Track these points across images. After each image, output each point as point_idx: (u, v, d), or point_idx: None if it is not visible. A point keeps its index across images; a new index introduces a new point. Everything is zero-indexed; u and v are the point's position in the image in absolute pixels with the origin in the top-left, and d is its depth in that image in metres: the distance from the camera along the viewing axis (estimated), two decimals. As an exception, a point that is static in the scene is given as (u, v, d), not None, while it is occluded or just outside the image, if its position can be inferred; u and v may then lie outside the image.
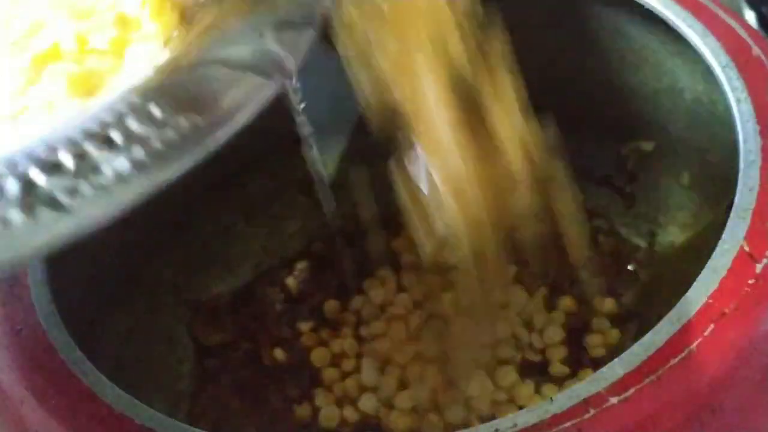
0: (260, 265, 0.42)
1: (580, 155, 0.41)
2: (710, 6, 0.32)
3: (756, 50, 0.30)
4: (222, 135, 0.21)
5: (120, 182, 0.19)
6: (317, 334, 0.38)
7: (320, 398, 0.36)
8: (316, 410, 0.36)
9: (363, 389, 0.35)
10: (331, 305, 0.39)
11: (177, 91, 0.21)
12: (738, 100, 0.29)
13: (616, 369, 0.23)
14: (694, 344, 0.23)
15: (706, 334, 0.23)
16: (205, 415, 0.37)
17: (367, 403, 0.35)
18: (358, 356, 0.37)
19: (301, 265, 0.42)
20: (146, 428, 0.24)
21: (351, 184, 0.42)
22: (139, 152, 0.19)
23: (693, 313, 0.24)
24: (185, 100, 0.21)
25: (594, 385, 0.23)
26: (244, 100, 0.22)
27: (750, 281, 0.24)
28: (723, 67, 0.30)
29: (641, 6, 0.33)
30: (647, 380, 0.23)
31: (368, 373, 0.35)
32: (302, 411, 0.36)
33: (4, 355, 0.28)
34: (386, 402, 0.35)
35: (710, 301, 0.24)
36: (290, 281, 0.41)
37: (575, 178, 0.41)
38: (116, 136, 0.20)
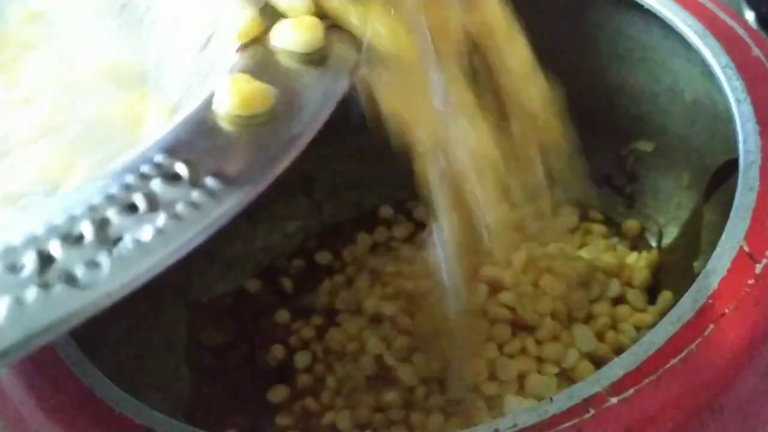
0: (260, 265, 0.42)
1: (580, 155, 0.41)
2: (710, 6, 0.32)
3: (756, 50, 0.30)
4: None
5: (141, 250, 0.19)
6: (317, 333, 0.38)
7: (321, 398, 0.36)
8: (316, 409, 0.36)
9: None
10: (330, 305, 0.39)
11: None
12: (738, 100, 0.29)
13: (616, 369, 0.23)
14: (694, 344, 0.23)
15: (706, 334, 0.23)
16: (205, 415, 0.37)
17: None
18: (358, 355, 0.37)
19: (301, 266, 0.42)
20: (146, 428, 0.24)
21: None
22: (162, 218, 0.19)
23: (693, 313, 0.24)
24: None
25: (594, 385, 0.23)
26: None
27: (750, 281, 0.24)
28: (723, 67, 0.30)
29: (641, 6, 0.33)
30: (647, 380, 0.23)
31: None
32: (304, 409, 0.36)
33: (4, 355, 0.28)
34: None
35: (710, 301, 0.24)
36: (290, 281, 0.41)
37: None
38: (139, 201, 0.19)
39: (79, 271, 0.18)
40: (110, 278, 0.18)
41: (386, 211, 0.43)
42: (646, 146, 0.39)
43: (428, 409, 0.33)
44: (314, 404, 0.36)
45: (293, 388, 0.37)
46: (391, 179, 0.43)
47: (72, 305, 0.18)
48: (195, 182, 0.20)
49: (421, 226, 0.41)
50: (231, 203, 0.20)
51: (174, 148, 0.20)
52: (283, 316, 0.40)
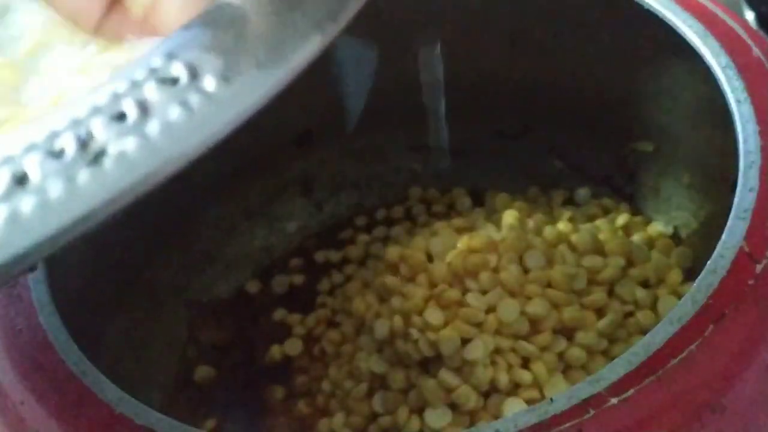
0: (259, 265, 0.42)
1: (580, 155, 0.41)
2: (710, 6, 0.32)
3: (756, 50, 0.30)
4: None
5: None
6: (317, 333, 0.38)
7: (316, 399, 0.36)
8: (316, 409, 0.36)
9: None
10: (329, 305, 0.39)
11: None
12: (738, 101, 0.29)
13: (616, 369, 0.23)
14: (694, 344, 0.23)
15: (706, 334, 0.23)
16: (205, 415, 0.37)
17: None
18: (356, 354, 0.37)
19: (300, 265, 0.42)
20: (146, 428, 0.24)
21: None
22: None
23: (693, 313, 0.24)
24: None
25: (594, 385, 0.23)
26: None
27: (750, 281, 0.24)
28: (723, 68, 0.30)
29: (641, 6, 0.33)
30: (647, 380, 0.23)
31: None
32: (302, 409, 0.36)
33: (4, 355, 0.28)
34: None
35: (710, 301, 0.24)
36: (290, 281, 0.41)
37: (575, 178, 0.41)
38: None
39: (55, 189, 0.17)
40: (89, 196, 0.17)
41: (386, 211, 0.43)
42: (646, 146, 0.39)
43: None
44: (311, 406, 0.36)
45: (291, 388, 0.37)
46: (391, 179, 0.44)
47: (44, 230, 0.17)
48: (193, 84, 0.18)
49: (420, 225, 0.41)
50: (235, 107, 0.18)
51: (175, 50, 0.18)
52: (282, 316, 0.40)
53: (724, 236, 0.25)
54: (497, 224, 0.38)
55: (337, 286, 0.40)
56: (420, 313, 0.33)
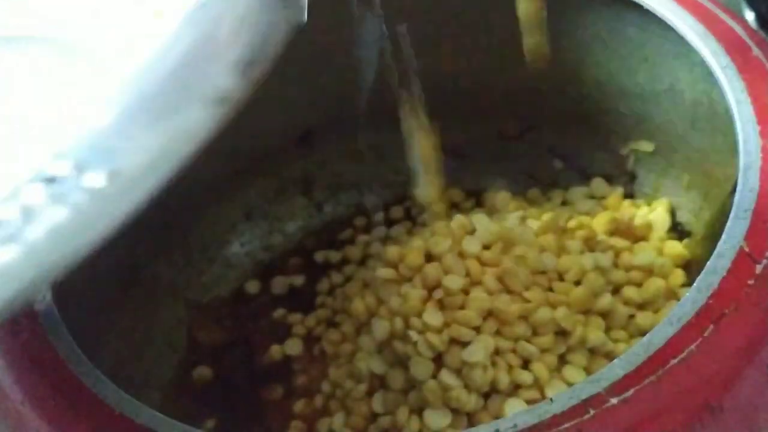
0: (259, 265, 0.42)
1: (580, 155, 0.41)
2: (710, 6, 0.32)
3: (756, 51, 0.30)
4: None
5: None
6: (316, 333, 0.38)
7: (321, 397, 0.36)
8: (316, 409, 0.36)
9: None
10: (329, 305, 0.39)
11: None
12: (738, 101, 0.29)
13: (616, 369, 0.23)
14: (694, 344, 0.23)
15: (706, 334, 0.23)
16: (205, 415, 0.37)
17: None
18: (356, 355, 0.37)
19: (299, 265, 0.42)
20: (146, 428, 0.24)
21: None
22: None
23: (693, 313, 0.24)
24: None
25: (594, 386, 0.23)
26: None
27: (750, 281, 0.24)
28: (723, 68, 0.30)
29: (641, 6, 0.33)
30: (647, 380, 0.23)
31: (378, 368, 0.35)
32: (302, 410, 0.36)
33: (4, 356, 0.28)
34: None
35: (710, 301, 0.24)
36: (290, 281, 0.41)
37: (575, 178, 0.41)
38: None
39: None
40: None
41: (385, 211, 0.43)
42: (646, 146, 0.39)
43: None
44: (310, 406, 0.36)
45: (290, 388, 0.37)
46: (391, 179, 0.44)
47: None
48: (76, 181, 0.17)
49: (419, 225, 0.41)
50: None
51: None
52: (281, 316, 0.40)
53: (724, 236, 0.25)
54: (498, 224, 0.37)
55: (337, 286, 0.40)
56: (419, 314, 0.33)
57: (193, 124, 0.17)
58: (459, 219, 0.36)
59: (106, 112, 0.17)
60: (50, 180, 0.17)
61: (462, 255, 0.34)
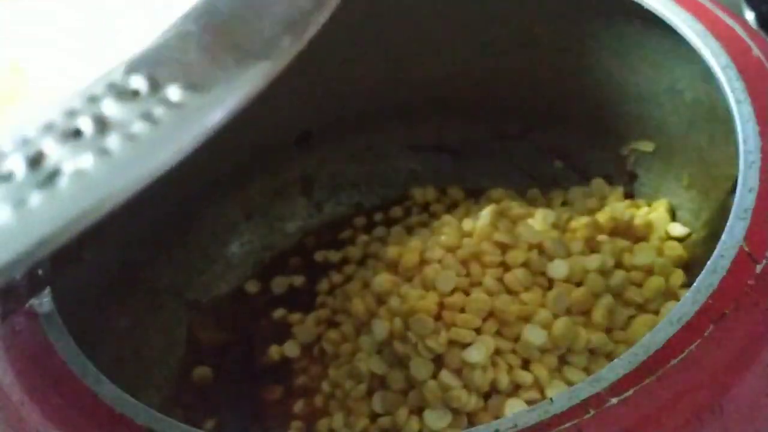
0: (259, 265, 0.42)
1: (580, 155, 0.41)
2: (710, 6, 0.32)
3: (756, 51, 0.30)
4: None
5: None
6: (316, 333, 0.38)
7: (320, 397, 0.36)
8: (315, 409, 0.36)
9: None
10: (329, 305, 0.39)
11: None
12: (738, 101, 0.29)
13: (616, 369, 0.23)
14: (694, 344, 0.23)
15: (706, 334, 0.23)
16: (205, 415, 0.37)
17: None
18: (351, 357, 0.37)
19: (299, 265, 0.42)
20: (146, 428, 0.24)
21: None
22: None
23: (693, 313, 0.24)
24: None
25: (594, 385, 0.23)
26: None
27: (750, 281, 0.24)
28: (723, 68, 0.30)
29: (641, 6, 0.33)
30: (647, 380, 0.23)
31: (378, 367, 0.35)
32: (302, 410, 0.36)
33: (4, 356, 0.28)
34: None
35: (710, 301, 0.24)
36: (290, 281, 0.41)
37: (575, 178, 0.41)
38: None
39: (4, 213, 0.15)
40: (43, 220, 0.15)
41: (385, 211, 0.43)
42: (646, 146, 0.39)
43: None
44: (310, 406, 0.36)
45: (290, 388, 0.37)
46: (391, 179, 0.44)
47: None
48: (155, 96, 0.16)
49: (419, 225, 0.41)
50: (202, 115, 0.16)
51: (136, 64, 0.17)
52: (281, 316, 0.40)
53: (724, 236, 0.25)
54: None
55: (337, 286, 0.40)
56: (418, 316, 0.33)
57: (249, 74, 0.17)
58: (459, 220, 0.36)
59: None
60: (125, 93, 0.16)
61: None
